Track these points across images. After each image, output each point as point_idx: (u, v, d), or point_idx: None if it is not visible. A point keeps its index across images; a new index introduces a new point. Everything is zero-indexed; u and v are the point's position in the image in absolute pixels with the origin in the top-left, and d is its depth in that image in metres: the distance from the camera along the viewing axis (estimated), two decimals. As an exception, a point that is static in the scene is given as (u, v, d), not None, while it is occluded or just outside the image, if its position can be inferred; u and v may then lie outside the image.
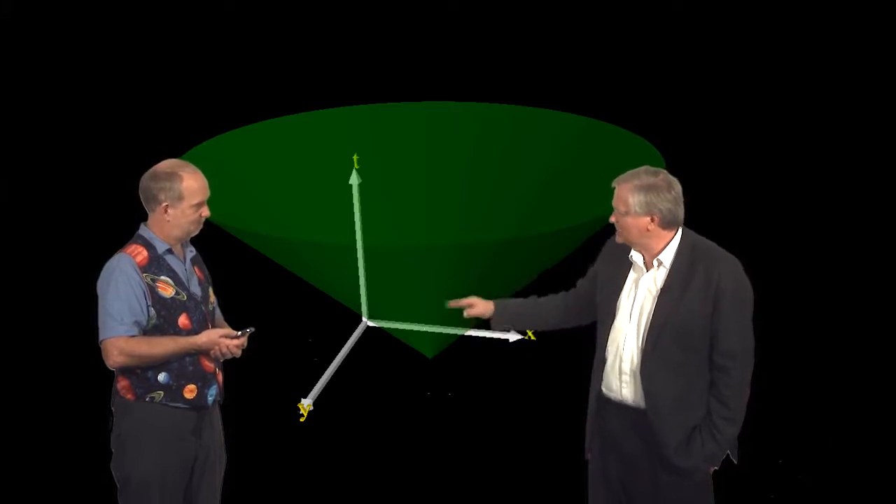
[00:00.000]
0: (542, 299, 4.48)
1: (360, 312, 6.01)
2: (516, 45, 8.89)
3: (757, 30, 8.73)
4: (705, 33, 8.75)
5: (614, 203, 4.02)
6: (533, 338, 5.96)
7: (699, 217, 4.22)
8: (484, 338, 6.11)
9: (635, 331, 4.03)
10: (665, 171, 4.03)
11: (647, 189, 3.94)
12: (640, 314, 4.02)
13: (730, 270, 3.96)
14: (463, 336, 6.18)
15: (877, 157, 8.32)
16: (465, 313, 4.51)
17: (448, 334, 6.11)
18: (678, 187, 3.99)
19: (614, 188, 4.03)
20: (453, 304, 4.53)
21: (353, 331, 6.04)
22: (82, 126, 8.60)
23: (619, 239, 4.07)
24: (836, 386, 6.39)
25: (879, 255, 7.58)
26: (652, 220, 3.96)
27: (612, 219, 4.04)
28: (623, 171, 4.09)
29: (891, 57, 8.53)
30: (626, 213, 3.97)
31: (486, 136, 7.22)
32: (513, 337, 6.04)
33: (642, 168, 4.04)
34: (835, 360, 6.62)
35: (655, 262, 4.02)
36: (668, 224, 3.97)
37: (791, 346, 6.64)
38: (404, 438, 6.03)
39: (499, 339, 6.06)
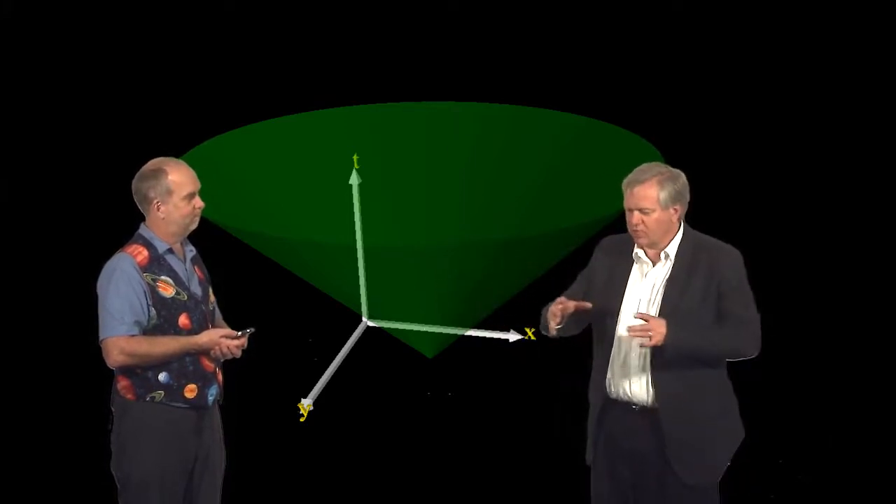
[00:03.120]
0: None
1: (360, 312, 6.01)
2: (516, 45, 8.89)
3: (757, 30, 8.73)
4: (705, 33, 8.75)
5: (636, 204, 3.92)
6: (533, 338, 5.97)
7: (699, 216, 4.22)
8: (484, 338, 6.11)
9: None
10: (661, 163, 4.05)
11: (669, 180, 3.93)
12: (648, 309, 3.99)
13: (731, 260, 3.97)
14: (463, 336, 6.19)
15: (876, 155, 8.32)
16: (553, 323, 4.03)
17: (448, 334, 6.12)
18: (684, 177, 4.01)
19: (630, 189, 3.94)
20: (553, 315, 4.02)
21: (353, 331, 6.04)
22: (82, 126, 8.59)
23: (642, 242, 3.98)
24: (836, 386, 6.39)
25: (879, 254, 7.57)
26: (676, 210, 3.95)
27: (635, 221, 3.93)
28: (623, 170, 4.05)
29: (891, 57, 8.53)
30: (654, 210, 3.91)
31: (486, 136, 7.22)
32: (513, 337, 6.05)
33: (646, 165, 4.01)
34: (835, 360, 6.62)
35: (663, 256, 3.99)
36: (684, 214, 3.98)
37: (791, 345, 6.64)
38: (404, 438, 6.03)
39: (499, 339, 6.07)
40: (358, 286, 5.84)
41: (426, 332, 6.04)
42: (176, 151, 6.03)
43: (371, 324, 6.05)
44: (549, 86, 8.44)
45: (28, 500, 5.55)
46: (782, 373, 6.34)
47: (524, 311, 5.97)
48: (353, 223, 6.31)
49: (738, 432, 4.13)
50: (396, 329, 6.10)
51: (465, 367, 6.51)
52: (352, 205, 6.45)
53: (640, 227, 3.95)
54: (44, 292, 7.24)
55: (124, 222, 4.31)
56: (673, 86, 8.68)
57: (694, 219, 4.11)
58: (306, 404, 5.64)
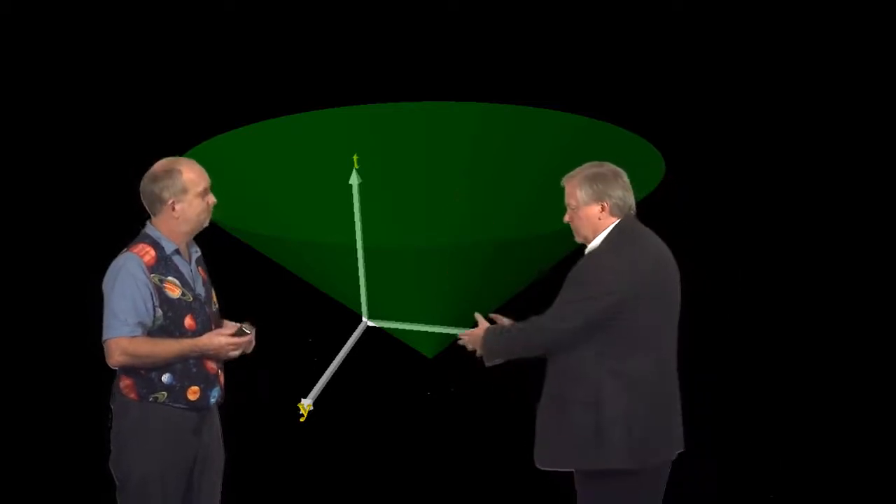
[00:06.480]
0: None
1: (360, 312, 6.01)
2: (516, 44, 8.89)
3: (757, 30, 8.74)
4: (705, 33, 8.76)
5: (566, 201, 4.10)
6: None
7: (699, 216, 4.23)
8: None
9: None
10: (609, 163, 4.09)
11: (592, 179, 4.04)
12: None
13: (598, 260, 3.99)
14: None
15: (877, 154, 8.32)
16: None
17: (448, 334, 6.11)
18: (626, 176, 4.07)
19: (563, 187, 4.09)
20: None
21: (353, 331, 6.04)
22: (82, 126, 8.60)
23: (577, 238, 4.14)
24: (836, 386, 6.39)
25: (879, 253, 7.58)
26: (602, 208, 4.02)
27: (566, 218, 4.11)
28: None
29: (891, 57, 8.53)
30: (577, 206, 4.05)
31: (486, 136, 7.23)
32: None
33: (588, 164, 4.12)
34: (835, 360, 6.62)
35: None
36: (618, 211, 4.03)
37: (790, 345, 6.64)
38: (404, 438, 6.04)
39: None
40: (358, 286, 5.84)
41: (426, 332, 6.04)
42: (176, 151, 6.03)
43: (371, 324, 6.05)
44: (549, 85, 8.45)
45: (27, 498, 5.55)
46: (781, 373, 6.34)
47: (524, 311, 5.97)
48: (353, 223, 6.31)
49: (607, 432, 4.04)
50: (396, 329, 6.10)
51: (465, 367, 6.50)
52: (352, 205, 6.45)
53: (571, 224, 4.12)
54: (45, 292, 7.24)
55: (126, 222, 4.31)
56: (673, 86, 8.69)
57: (693, 218, 4.12)
58: (306, 404, 5.63)
